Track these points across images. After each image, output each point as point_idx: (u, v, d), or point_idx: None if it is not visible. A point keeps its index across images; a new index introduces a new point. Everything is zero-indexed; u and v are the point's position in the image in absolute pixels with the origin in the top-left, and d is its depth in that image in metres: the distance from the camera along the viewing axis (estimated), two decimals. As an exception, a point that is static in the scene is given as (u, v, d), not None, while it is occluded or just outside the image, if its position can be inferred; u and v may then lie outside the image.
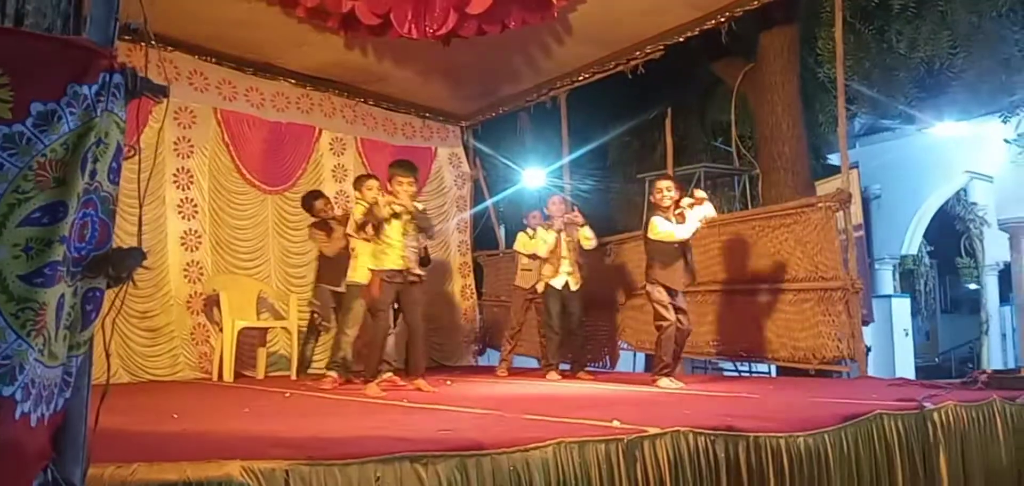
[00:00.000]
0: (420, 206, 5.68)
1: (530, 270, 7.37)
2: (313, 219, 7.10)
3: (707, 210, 5.89)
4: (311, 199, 7.18)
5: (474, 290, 9.61)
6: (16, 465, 1.44)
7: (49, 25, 1.71)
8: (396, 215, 5.44)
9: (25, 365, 1.45)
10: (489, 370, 8.29)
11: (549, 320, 6.96)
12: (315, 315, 6.97)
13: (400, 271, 5.48)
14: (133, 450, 2.33)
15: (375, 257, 5.55)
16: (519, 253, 7.50)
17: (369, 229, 5.53)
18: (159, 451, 2.43)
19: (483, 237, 10.52)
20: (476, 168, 9.91)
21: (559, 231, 6.85)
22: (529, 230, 7.41)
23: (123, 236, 1.77)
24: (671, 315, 5.79)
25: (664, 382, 5.78)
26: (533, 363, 8.55)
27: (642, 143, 11.27)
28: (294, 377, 6.90)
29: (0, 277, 1.43)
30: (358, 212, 5.83)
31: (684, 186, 6.15)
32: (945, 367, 15.58)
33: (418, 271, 5.64)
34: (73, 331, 1.59)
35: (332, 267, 6.76)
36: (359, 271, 6.09)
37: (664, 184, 5.98)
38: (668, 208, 5.86)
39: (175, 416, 3.85)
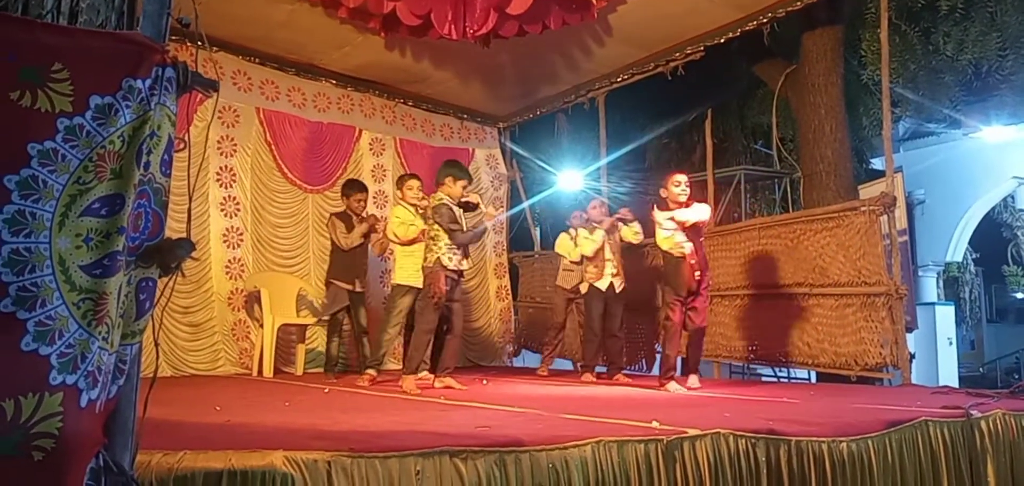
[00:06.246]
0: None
1: (572, 271, 7.33)
2: (342, 209, 6.92)
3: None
4: (353, 188, 6.99)
5: (510, 291, 9.62)
6: (77, 449, 1.48)
7: (103, 21, 1.76)
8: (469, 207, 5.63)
9: (88, 354, 1.49)
10: (524, 371, 8.28)
11: (590, 322, 6.91)
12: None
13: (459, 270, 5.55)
14: (179, 438, 2.38)
15: (446, 254, 5.51)
16: (561, 255, 7.47)
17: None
18: (204, 440, 2.47)
19: (519, 238, 10.55)
20: (513, 169, 9.93)
21: (607, 231, 6.79)
22: (571, 231, 7.37)
23: (168, 231, 1.81)
24: (675, 314, 5.75)
25: (671, 386, 5.68)
26: (569, 365, 8.51)
27: (681, 145, 11.21)
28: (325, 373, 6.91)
29: (64, 267, 1.48)
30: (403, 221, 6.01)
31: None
32: (990, 377, 15.25)
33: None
34: (127, 320, 1.63)
35: (347, 263, 6.67)
36: (408, 271, 6.07)
37: (682, 178, 5.95)
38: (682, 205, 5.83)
39: (218, 408, 3.91)
